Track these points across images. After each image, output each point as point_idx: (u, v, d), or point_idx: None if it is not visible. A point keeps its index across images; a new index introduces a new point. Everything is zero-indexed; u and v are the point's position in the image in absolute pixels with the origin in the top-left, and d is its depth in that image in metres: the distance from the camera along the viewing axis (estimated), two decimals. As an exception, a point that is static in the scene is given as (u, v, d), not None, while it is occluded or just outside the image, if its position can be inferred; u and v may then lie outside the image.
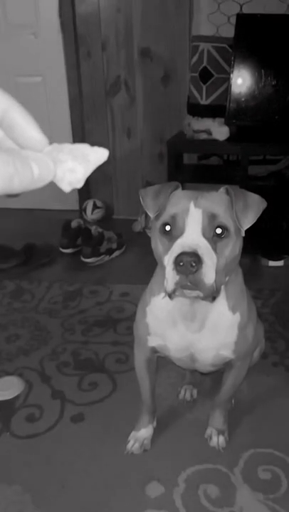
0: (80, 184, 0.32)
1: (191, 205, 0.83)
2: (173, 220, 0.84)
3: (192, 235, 0.81)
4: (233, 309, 0.98)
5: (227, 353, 1.02)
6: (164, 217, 0.86)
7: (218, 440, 1.21)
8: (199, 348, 1.00)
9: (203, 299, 0.83)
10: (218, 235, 0.83)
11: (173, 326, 0.99)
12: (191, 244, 0.79)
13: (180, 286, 0.80)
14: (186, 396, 1.39)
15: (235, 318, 0.98)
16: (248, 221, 0.85)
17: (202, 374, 1.37)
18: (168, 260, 0.82)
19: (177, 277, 0.79)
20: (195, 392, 1.40)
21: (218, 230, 0.83)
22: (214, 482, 1.10)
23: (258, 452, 1.18)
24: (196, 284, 0.79)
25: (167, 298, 0.94)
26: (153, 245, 0.89)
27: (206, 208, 0.83)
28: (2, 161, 0.28)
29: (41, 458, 1.19)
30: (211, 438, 1.22)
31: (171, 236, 0.84)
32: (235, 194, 0.86)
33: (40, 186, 0.30)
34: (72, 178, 0.31)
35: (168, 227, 0.85)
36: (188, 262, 0.77)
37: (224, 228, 0.83)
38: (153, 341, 1.04)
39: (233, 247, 0.85)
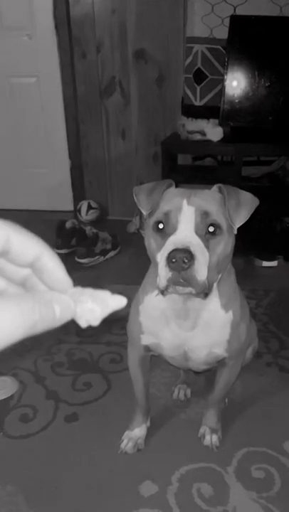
0: (96, 322, 0.34)
1: (184, 203, 0.84)
2: (166, 218, 0.84)
3: (185, 232, 0.81)
4: (225, 308, 0.98)
5: (220, 351, 1.02)
6: (157, 215, 0.86)
7: (211, 439, 1.21)
8: (192, 346, 1.00)
9: (196, 295, 0.84)
10: (211, 233, 0.83)
11: (166, 324, 0.99)
12: (184, 241, 0.80)
13: (172, 282, 0.80)
14: (180, 395, 1.39)
15: (228, 317, 0.99)
16: (241, 219, 0.86)
17: (196, 373, 1.37)
18: (160, 257, 0.82)
19: (170, 274, 0.79)
20: (189, 391, 1.40)
21: (211, 228, 0.83)
22: (208, 481, 1.10)
23: (251, 451, 1.19)
24: (189, 281, 0.79)
25: (160, 296, 0.95)
26: (146, 243, 0.90)
27: (199, 206, 0.84)
28: (28, 309, 0.30)
29: (35, 458, 1.18)
30: (204, 437, 1.22)
31: (164, 233, 0.84)
32: (228, 192, 0.87)
33: (59, 325, 0.32)
34: (90, 317, 0.34)
35: (161, 225, 0.85)
36: (181, 259, 0.77)
37: (217, 226, 0.84)
38: (146, 340, 1.05)
39: (225, 244, 0.85)
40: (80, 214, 2.89)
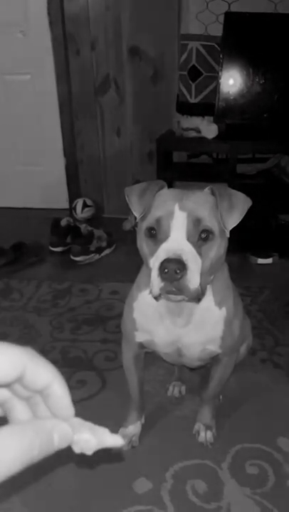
0: (90, 452, 0.36)
1: (176, 208, 0.83)
2: (158, 224, 0.83)
3: (177, 240, 0.81)
4: (219, 304, 0.98)
5: (214, 347, 1.02)
6: (149, 221, 0.85)
7: (206, 436, 1.21)
8: (186, 342, 1.00)
9: (189, 301, 0.85)
10: (203, 239, 0.83)
11: (160, 321, 0.99)
12: (176, 250, 0.79)
13: (165, 291, 0.81)
14: (175, 392, 1.39)
15: (222, 313, 0.99)
16: (233, 221, 0.85)
17: (190, 369, 1.37)
18: (153, 264, 0.82)
19: (162, 284, 0.79)
20: (183, 388, 1.40)
21: (203, 234, 0.83)
22: (202, 477, 1.10)
23: (245, 447, 1.19)
24: (181, 290, 0.79)
25: None
26: (138, 245, 0.90)
27: (191, 212, 0.82)
28: (29, 445, 0.31)
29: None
30: (199, 434, 1.22)
31: (156, 240, 0.84)
32: (220, 194, 0.85)
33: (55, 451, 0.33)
34: (85, 447, 0.35)
35: (153, 231, 0.84)
36: (173, 270, 0.77)
37: (209, 232, 0.83)
38: (140, 337, 1.05)
39: (218, 249, 0.85)
40: (75, 212, 2.89)
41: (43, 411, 0.36)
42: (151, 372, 1.46)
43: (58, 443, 0.33)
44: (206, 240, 0.83)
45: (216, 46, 2.31)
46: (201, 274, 0.81)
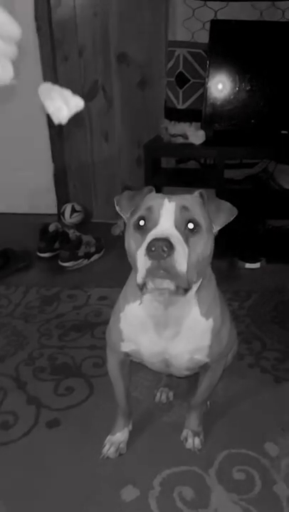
0: (63, 122, 0.43)
1: (166, 200, 0.86)
2: (148, 213, 0.85)
3: (165, 226, 0.83)
4: (206, 315, 0.98)
5: (201, 356, 1.02)
6: (140, 212, 0.87)
7: (193, 442, 1.21)
8: (173, 353, 1.00)
9: (175, 291, 0.82)
10: (191, 230, 0.84)
11: (146, 332, 0.99)
12: (164, 232, 0.81)
13: (151, 274, 0.79)
14: (162, 398, 1.39)
15: (208, 324, 0.99)
16: (220, 222, 0.89)
17: (178, 378, 1.37)
18: (140, 251, 0.82)
19: (149, 263, 0.79)
20: (171, 394, 1.40)
21: (190, 225, 0.84)
22: (189, 484, 1.11)
23: (232, 453, 1.19)
24: (168, 270, 0.78)
25: (142, 305, 0.96)
26: (126, 245, 0.90)
27: (180, 202, 0.86)
28: None
29: (15, 465, 1.17)
30: (186, 440, 1.23)
31: (145, 230, 0.85)
32: (208, 197, 0.90)
33: None
34: (59, 115, 0.42)
35: (142, 222, 0.86)
36: (160, 247, 0.77)
37: (196, 223, 0.85)
38: (126, 347, 1.05)
39: (204, 245, 0.86)
40: (63, 217, 2.88)
41: None
42: (139, 378, 1.46)
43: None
44: (193, 231, 0.84)
45: (203, 53, 2.33)
46: (188, 266, 0.81)
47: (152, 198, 0.89)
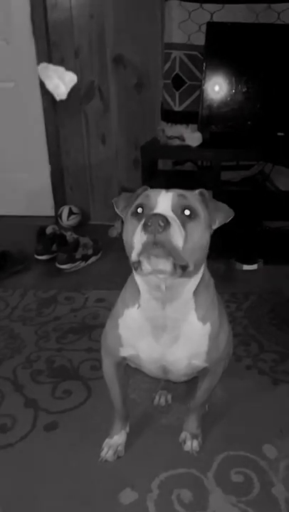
0: (63, 97, 0.46)
1: (164, 191, 0.87)
2: (146, 200, 0.86)
3: (162, 209, 0.83)
4: (203, 320, 0.98)
5: (199, 362, 1.02)
6: (138, 200, 0.88)
7: (192, 445, 1.21)
8: (171, 359, 1.00)
9: (172, 272, 0.80)
10: (187, 216, 0.84)
11: (145, 337, 0.99)
12: (160, 211, 0.81)
13: (147, 251, 0.78)
14: (161, 401, 1.39)
15: (206, 329, 0.99)
16: (217, 221, 0.90)
17: (174, 383, 1.37)
18: (137, 231, 0.81)
19: (144, 237, 0.78)
20: (170, 397, 1.40)
21: (187, 212, 0.84)
22: (188, 487, 1.10)
23: (230, 455, 1.19)
24: (164, 245, 0.77)
25: (140, 308, 0.96)
26: (124, 234, 0.89)
27: (177, 192, 0.87)
28: None
29: (13, 468, 1.17)
30: (185, 442, 1.22)
31: (142, 216, 0.85)
32: (209, 196, 0.92)
33: None
34: (58, 92, 0.45)
35: (140, 210, 0.86)
36: (156, 221, 0.76)
37: (193, 211, 0.85)
38: (125, 352, 1.05)
39: (202, 232, 0.86)
40: (61, 219, 2.88)
41: None
42: (137, 380, 1.46)
43: None
44: (190, 217, 0.84)
45: (199, 55, 2.34)
46: (185, 249, 0.80)
47: (150, 190, 0.90)
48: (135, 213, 0.87)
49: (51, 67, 0.47)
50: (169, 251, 0.78)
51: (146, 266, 0.80)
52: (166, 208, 0.83)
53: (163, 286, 0.88)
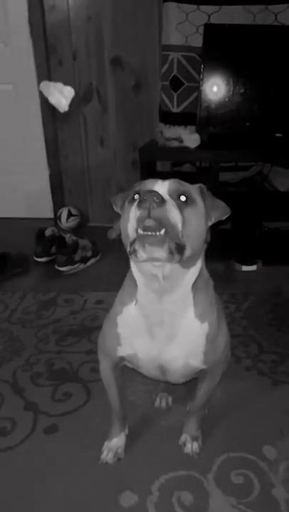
0: (65, 109, 0.54)
1: (160, 180, 0.87)
2: (143, 187, 0.85)
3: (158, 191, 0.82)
4: (200, 318, 0.98)
5: (196, 362, 1.02)
6: (136, 189, 0.87)
7: (192, 447, 1.21)
8: (168, 357, 1.00)
9: (168, 258, 0.79)
10: (184, 202, 0.83)
11: (142, 335, 0.99)
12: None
13: (142, 227, 0.77)
14: (162, 404, 1.38)
15: (204, 328, 0.99)
16: (214, 216, 0.90)
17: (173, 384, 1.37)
18: (132, 208, 0.80)
19: (139, 212, 0.77)
20: (170, 399, 1.40)
21: (183, 198, 0.83)
22: (188, 489, 1.10)
23: (230, 457, 1.19)
24: (160, 220, 0.76)
25: (138, 305, 0.96)
26: (121, 224, 0.87)
27: (175, 179, 0.87)
28: None
29: (13, 472, 1.17)
30: (185, 445, 1.22)
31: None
32: (208, 193, 0.91)
33: None
34: (60, 105, 0.53)
35: (136, 196, 0.84)
36: (151, 197, 0.75)
37: (189, 197, 0.84)
38: (123, 351, 1.04)
39: (199, 219, 0.85)
40: (60, 221, 2.88)
41: None
42: (136, 382, 1.46)
43: None
44: (186, 203, 0.83)
45: (197, 57, 2.34)
46: (182, 234, 0.79)
47: (147, 180, 0.89)
48: (132, 200, 0.85)
49: (51, 84, 0.56)
50: (164, 226, 0.76)
51: (141, 254, 0.79)
52: (162, 192, 0.81)
53: (160, 274, 0.87)
